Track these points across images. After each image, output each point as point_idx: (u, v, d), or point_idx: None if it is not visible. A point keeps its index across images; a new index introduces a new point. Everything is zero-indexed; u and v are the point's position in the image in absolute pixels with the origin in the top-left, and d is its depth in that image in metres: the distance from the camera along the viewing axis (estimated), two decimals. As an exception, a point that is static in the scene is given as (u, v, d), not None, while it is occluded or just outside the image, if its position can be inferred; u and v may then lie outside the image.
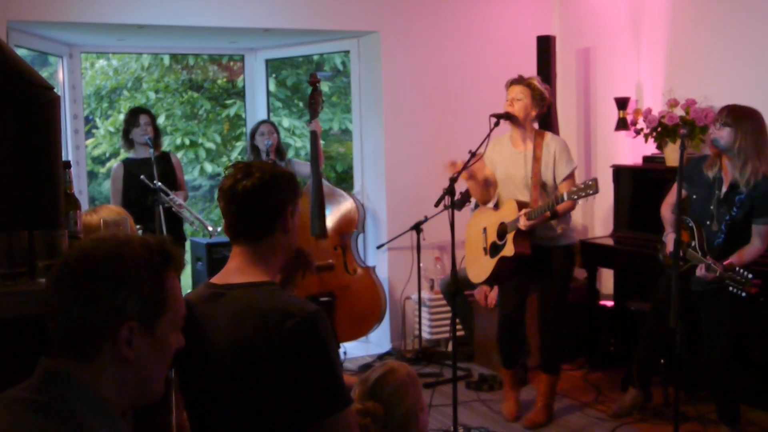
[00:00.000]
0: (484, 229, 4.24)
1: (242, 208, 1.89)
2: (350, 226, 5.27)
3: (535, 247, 4.04)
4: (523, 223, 3.88)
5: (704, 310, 3.77)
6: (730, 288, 3.40)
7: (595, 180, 3.69)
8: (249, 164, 1.92)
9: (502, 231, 4.09)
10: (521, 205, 4.00)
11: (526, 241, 4.00)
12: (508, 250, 4.01)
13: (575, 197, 3.75)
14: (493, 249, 4.14)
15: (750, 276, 3.35)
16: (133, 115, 5.27)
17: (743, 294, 3.37)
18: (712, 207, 3.68)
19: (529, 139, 4.11)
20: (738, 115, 3.53)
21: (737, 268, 3.42)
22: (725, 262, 3.49)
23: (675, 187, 3.79)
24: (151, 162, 4.93)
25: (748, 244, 3.60)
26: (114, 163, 5.45)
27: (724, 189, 3.65)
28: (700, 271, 3.55)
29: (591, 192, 3.68)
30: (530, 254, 4.00)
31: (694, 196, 3.76)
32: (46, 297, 1.34)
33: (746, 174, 3.53)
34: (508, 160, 4.15)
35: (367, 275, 5.24)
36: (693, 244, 3.66)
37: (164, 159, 5.27)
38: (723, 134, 3.55)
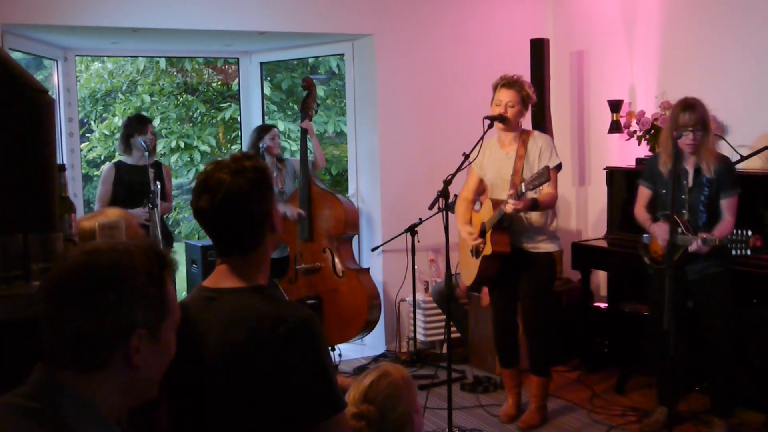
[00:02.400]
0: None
1: (228, 230, 1.83)
2: (338, 228, 5.28)
3: (519, 251, 4.08)
4: (509, 207, 3.86)
5: (702, 296, 3.83)
6: (734, 252, 3.51)
7: (546, 168, 3.73)
8: (219, 180, 1.79)
9: (482, 231, 4.13)
10: (496, 203, 4.03)
11: (503, 239, 4.02)
12: (486, 249, 4.06)
13: (531, 187, 3.78)
14: (477, 250, 4.18)
15: (749, 233, 3.48)
16: (141, 122, 5.23)
17: (749, 251, 3.48)
18: (683, 196, 3.81)
19: (516, 139, 4.13)
20: (704, 118, 3.75)
21: (735, 232, 3.54)
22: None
23: (641, 189, 4.06)
24: (144, 168, 4.95)
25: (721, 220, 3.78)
26: (105, 165, 5.41)
27: (690, 177, 3.80)
28: (695, 246, 3.63)
29: (543, 180, 3.72)
30: (510, 252, 4.03)
31: (663, 191, 3.89)
32: (43, 309, 1.32)
33: (711, 162, 3.75)
34: (498, 161, 4.16)
35: (354, 278, 5.25)
36: (679, 230, 3.74)
37: (156, 168, 5.27)
38: (694, 138, 3.72)
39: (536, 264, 4.12)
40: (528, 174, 4.02)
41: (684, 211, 3.80)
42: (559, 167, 4.09)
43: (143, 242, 1.40)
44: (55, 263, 1.37)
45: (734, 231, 3.55)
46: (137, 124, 5.20)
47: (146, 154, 5.07)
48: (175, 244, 5.21)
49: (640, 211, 4.08)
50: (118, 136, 6.21)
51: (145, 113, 10.20)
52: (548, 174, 3.69)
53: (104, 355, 1.31)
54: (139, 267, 1.34)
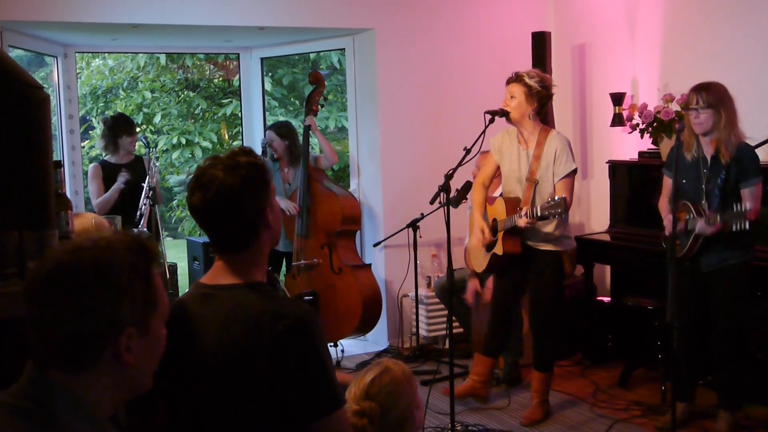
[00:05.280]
0: None
1: (220, 227, 1.82)
2: (335, 224, 5.26)
3: (529, 247, 4.08)
4: (522, 222, 3.88)
5: (715, 288, 3.80)
6: (734, 227, 3.48)
7: (564, 199, 3.71)
8: (212, 176, 1.77)
9: (494, 228, 4.13)
10: (509, 203, 4.02)
11: (516, 241, 4.04)
12: (498, 249, 4.07)
13: (546, 214, 3.76)
14: (487, 245, 4.17)
15: (746, 206, 3.48)
16: (129, 123, 5.36)
17: (747, 225, 3.44)
18: (703, 185, 3.76)
19: (533, 136, 4.10)
20: (715, 99, 3.65)
21: (733, 208, 3.51)
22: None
23: (665, 179, 3.96)
24: (127, 168, 5.17)
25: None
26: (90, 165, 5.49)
27: (709, 164, 3.75)
28: (699, 227, 3.64)
29: (559, 211, 3.70)
30: (520, 252, 4.04)
31: (684, 181, 3.82)
32: (28, 310, 1.29)
33: (730, 146, 3.66)
34: (513, 155, 4.14)
35: (350, 275, 5.23)
36: (692, 215, 3.72)
37: (140, 163, 5.29)
38: (705, 117, 3.66)
39: (542, 261, 4.11)
40: (542, 174, 4.02)
41: (703, 201, 3.74)
42: (574, 172, 4.06)
43: (126, 236, 1.37)
44: (37, 263, 1.33)
45: (732, 206, 3.51)
46: (125, 124, 5.31)
47: (146, 150, 5.14)
48: (176, 241, 5.25)
49: (664, 204, 4.00)
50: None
51: (146, 110, 10.24)
52: (565, 206, 3.69)
53: (93, 356, 1.29)
54: (123, 263, 1.30)
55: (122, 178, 5.09)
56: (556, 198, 3.74)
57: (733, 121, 3.68)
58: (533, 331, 4.28)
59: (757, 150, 4.29)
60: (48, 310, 1.27)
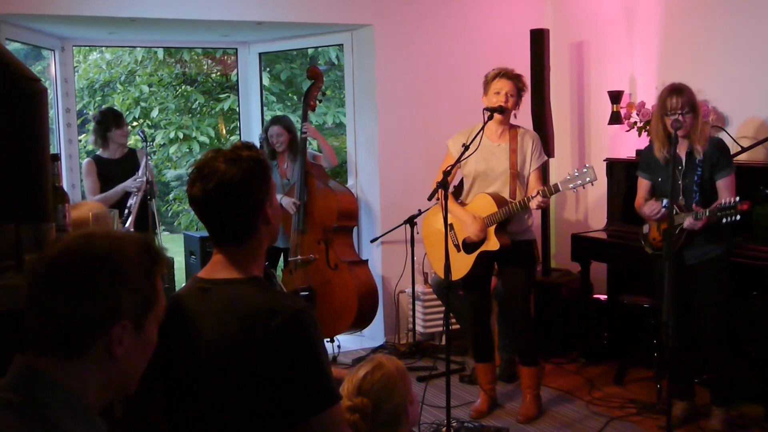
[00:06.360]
0: (451, 226, 4.22)
1: (218, 219, 1.82)
2: (332, 219, 5.26)
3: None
4: (537, 202, 3.83)
5: (699, 282, 3.84)
6: (724, 220, 3.53)
7: (592, 168, 3.74)
8: (213, 168, 1.78)
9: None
10: (497, 198, 4.02)
11: (505, 234, 4.05)
12: (492, 245, 4.03)
13: (571, 186, 3.76)
14: (469, 245, 4.14)
15: (737, 199, 3.52)
16: (117, 116, 5.30)
17: (738, 217, 3.49)
18: (679, 182, 3.81)
19: (506, 133, 4.13)
20: (693, 101, 3.76)
21: (722, 201, 3.56)
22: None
23: (640, 181, 4.08)
24: (120, 162, 5.16)
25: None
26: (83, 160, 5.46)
27: (683, 162, 3.81)
28: (687, 222, 3.68)
29: (588, 180, 3.73)
30: (510, 245, 4.04)
31: (660, 179, 3.90)
32: (30, 293, 1.31)
33: (702, 144, 3.76)
34: (486, 152, 4.12)
35: (346, 271, 5.23)
36: (674, 211, 3.73)
37: (133, 157, 5.28)
38: (690, 120, 3.74)
39: (518, 253, 4.13)
40: (520, 167, 4.05)
41: (680, 197, 3.80)
42: (545, 162, 4.18)
43: (138, 235, 1.40)
44: (48, 247, 1.36)
45: (722, 202, 3.56)
46: (114, 117, 5.24)
47: (144, 144, 5.12)
48: (173, 236, 5.21)
49: (641, 204, 4.06)
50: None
51: (143, 104, 10.22)
52: (594, 173, 3.73)
53: (87, 342, 1.30)
54: (131, 256, 1.34)
55: (134, 186, 4.95)
56: (584, 168, 3.76)
57: (703, 119, 3.83)
58: (516, 327, 4.29)
59: (753, 150, 4.32)
60: (53, 290, 1.29)
